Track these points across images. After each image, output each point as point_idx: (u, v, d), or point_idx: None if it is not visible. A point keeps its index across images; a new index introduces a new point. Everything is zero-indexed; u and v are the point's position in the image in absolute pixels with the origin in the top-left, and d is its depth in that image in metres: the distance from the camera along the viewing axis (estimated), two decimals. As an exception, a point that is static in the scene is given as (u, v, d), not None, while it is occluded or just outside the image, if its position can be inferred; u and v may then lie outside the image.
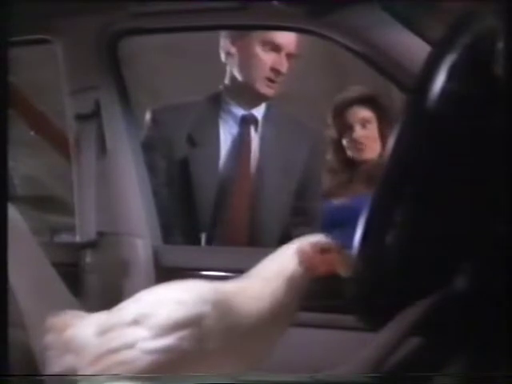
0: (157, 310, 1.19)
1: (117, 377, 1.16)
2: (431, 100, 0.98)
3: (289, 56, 2.19)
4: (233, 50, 2.21)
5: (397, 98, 2.20)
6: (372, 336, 1.15)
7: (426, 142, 0.99)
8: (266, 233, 2.19)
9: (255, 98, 2.23)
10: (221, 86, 2.28)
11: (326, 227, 2.14)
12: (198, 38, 2.38)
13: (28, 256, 1.54)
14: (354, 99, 2.65)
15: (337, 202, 2.57)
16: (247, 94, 2.22)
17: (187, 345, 1.14)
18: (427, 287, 1.05)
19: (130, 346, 1.17)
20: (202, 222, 2.15)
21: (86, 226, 1.92)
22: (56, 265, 1.62)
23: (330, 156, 2.65)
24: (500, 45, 0.99)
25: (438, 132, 0.99)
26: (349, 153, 2.65)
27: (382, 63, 1.65)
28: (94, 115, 1.92)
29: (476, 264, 1.06)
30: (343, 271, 1.18)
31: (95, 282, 1.88)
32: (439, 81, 0.98)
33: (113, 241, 1.90)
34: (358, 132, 2.61)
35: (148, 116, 2.22)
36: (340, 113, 2.66)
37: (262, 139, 2.25)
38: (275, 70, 2.18)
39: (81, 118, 1.92)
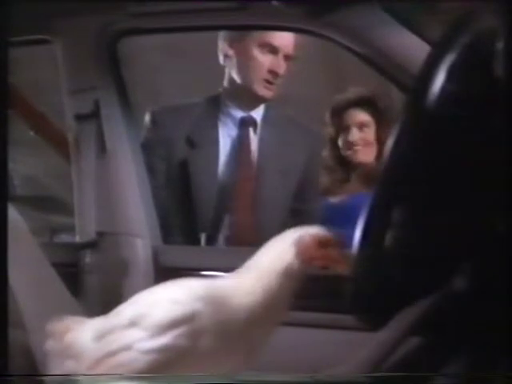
0: (152, 310, 1.19)
1: (117, 377, 1.16)
2: (431, 100, 0.98)
3: (286, 58, 2.19)
4: (230, 52, 2.21)
5: (397, 99, 2.20)
6: (372, 336, 1.15)
7: (426, 142, 0.99)
8: (265, 233, 2.18)
9: (254, 100, 2.23)
10: (220, 89, 2.28)
11: (323, 225, 2.13)
12: (197, 39, 2.38)
13: (28, 256, 1.54)
14: (353, 101, 2.63)
15: (334, 200, 2.57)
16: (246, 96, 2.22)
17: (183, 343, 1.14)
18: (427, 287, 1.05)
19: (127, 347, 1.17)
20: (202, 223, 2.15)
21: (85, 226, 1.92)
22: (56, 265, 1.61)
23: (325, 153, 2.64)
24: (500, 45, 0.99)
25: (438, 132, 0.99)
26: (343, 153, 2.64)
27: (382, 63, 1.65)
28: (94, 115, 1.92)
29: (476, 264, 1.06)
30: (340, 268, 1.17)
31: (95, 282, 1.88)
32: (439, 81, 0.98)
33: (112, 241, 1.90)
34: (355, 134, 2.60)
35: (147, 117, 2.22)
36: (338, 113, 2.65)
37: (261, 141, 2.24)
38: (273, 72, 2.18)
39: (80, 118, 1.92)
